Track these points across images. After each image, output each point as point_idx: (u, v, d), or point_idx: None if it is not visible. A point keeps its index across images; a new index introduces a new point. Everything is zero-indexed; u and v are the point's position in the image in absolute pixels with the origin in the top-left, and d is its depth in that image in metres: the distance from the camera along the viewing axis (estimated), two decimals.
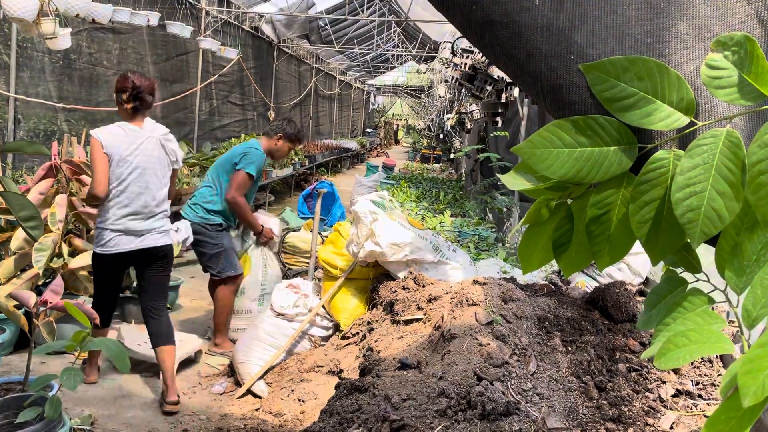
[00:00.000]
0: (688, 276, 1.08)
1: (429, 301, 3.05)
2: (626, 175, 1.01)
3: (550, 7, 0.98)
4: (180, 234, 3.98)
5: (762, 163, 0.84)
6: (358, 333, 3.51)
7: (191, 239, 4.12)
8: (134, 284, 4.59)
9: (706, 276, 1.05)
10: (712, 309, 0.96)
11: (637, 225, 0.99)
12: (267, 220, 4.74)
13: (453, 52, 5.12)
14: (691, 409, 2.36)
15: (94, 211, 4.18)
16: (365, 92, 30.04)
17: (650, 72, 0.95)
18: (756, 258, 0.89)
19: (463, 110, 8.58)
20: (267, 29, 12.63)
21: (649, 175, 0.97)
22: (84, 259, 3.92)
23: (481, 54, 4.48)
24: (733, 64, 0.91)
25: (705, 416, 2.29)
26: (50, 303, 2.54)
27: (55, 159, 3.97)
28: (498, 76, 4.49)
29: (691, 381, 2.52)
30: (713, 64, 0.92)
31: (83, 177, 4.00)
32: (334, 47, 16.05)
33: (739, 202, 0.89)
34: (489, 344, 2.51)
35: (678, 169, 0.93)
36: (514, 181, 1.07)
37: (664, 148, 0.98)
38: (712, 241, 0.98)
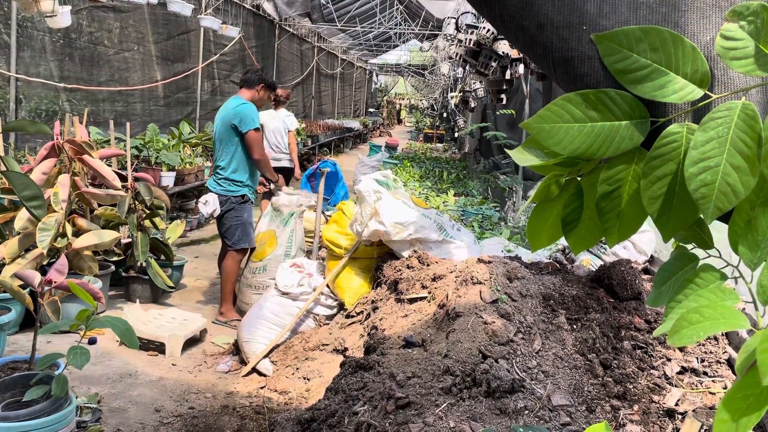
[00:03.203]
0: (698, 252, 1.06)
1: (433, 279, 3.05)
2: (638, 150, 0.99)
3: None
4: (208, 206, 4.26)
5: None
6: (362, 312, 3.51)
7: (218, 211, 4.46)
8: (138, 264, 4.60)
9: (718, 252, 1.03)
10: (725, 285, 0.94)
11: (648, 201, 0.97)
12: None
13: (457, 28, 5.05)
14: (696, 386, 2.36)
15: (97, 191, 4.18)
16: (367, 71, 29.83)
17: (664, 43, 0.92)
18: None
19: (467, 88, 8.51)
20: (268, 7, 12.51)
21: (661, 149, 0.95)
22: (88, 239, 3.92)
23: (486, 29, 4.42)
24: (749, 35, 0.88)
25: (710, 393, 2.29)
26: (55, 282, 2.54)
27: (57, 139, 3.95)
28: (503, 53, 4.43)
29: (697, 358, 2.52)
30: (728, 35, 0.90)
31: (86, 157, 3.98)
32: (336, 25, 15.90)
33: (755, 177, 0.86)
34: (494, 322, 2.51)
35: (691, 143, 0.90)
36: (522, 157, 1.05)
37: (677, 121, 0.96)
38: (723, 217, 0.96)
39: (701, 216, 0.90)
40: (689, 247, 1.07)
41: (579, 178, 1.06)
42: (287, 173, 7.07)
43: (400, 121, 37.21)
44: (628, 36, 0.94)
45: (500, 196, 7.23)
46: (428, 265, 3.22)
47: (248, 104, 4.56)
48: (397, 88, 39.76)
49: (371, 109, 30.15)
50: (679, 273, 1.05)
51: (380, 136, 24.80)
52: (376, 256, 3.76)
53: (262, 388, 3.48)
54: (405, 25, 18.32)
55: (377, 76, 34.40)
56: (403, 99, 38.81)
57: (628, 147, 0.97)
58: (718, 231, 1.04)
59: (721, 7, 0.96)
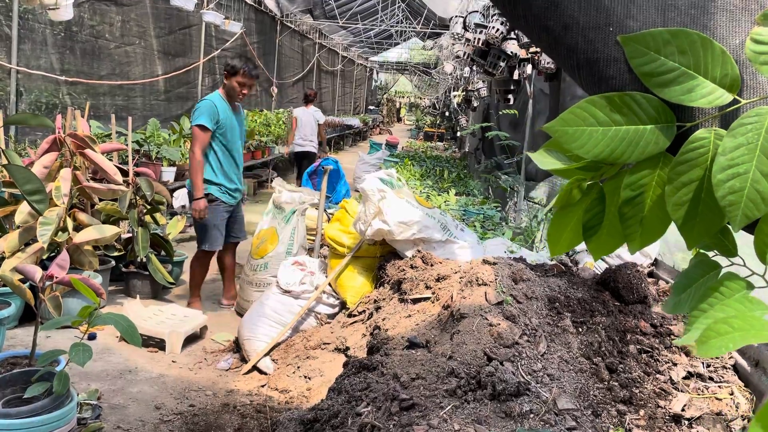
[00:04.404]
0: (719, 260, 1.04)
1: (437, 280, 3.03)
2: (662, 155, 0.97)
3: None
4: (177, 201, 4.20)
5: None
6: (364, 311, 3.49)
7: (188, 207, 4.47)
8: (139, 259, 4.57)
9: (742, 260, 1.01)
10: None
11: (673, 207, 0.95)
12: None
13: (465, 27, 5.02)
14: (702, 391, 2.34)
15: (98, 185, 4.15)
16: (368, 69, 29.77)
17: (693, 45, 0.90)
18: None
19: (471, 87, 8.47)
20: (270, 3, 12.47)
21: (688, 155, 0.92)
22: (89, 234, 3.90)
23: (495, 29, 4.39)
24: None
25: (717, 399, 2.28)
26: (56, 278, 2.52)
27: (59, 132, 3.92)
28: (511, 53, 4.39)
29: (702, 363, 2.51)
30: (759, 39, 0.88)
31: (87, 151, 3.95)
32: (338, 22, 15.85)
33: None
34: (499, 324, 2.49)
35: (720, 149, 0.88)
36: (544, 160, 1.02)
37: (703, 126, 0.94)
38: (747, 227, 0.94)
39: (730, 223, 0.88)
40: (711, 254, 1.05)
41: (601, 183, 1.03)
42: (311, 157, 9.09)
43: (399, 119, 37.17)
44: (655, 38, 0.92)
45: (501, 196, 7.22)
46: (432, 266, 3.20)
47: (206, 99, 4.40)
48: (397, 86, 39.71)
49: (371, 107, 30.10)
50: (700, 281, 1.03)
51: (380, 133, 24.77)
52: (378, 256, 3.74)
53: (262, 386, 3.46)
54: (406, 23, 18.28)
55: (377, 73, 34.35)
56: (404, 97, 38.76)
57: (653, 152, 0.95)
58: (740, 238, 1.02)
59: (750, 10, 0.93)
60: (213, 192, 4.41)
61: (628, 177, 0.98)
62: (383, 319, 3.05)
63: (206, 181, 4.39)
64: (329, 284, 3.81)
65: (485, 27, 4.47)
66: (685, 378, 2.41)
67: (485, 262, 2.88)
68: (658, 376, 2.42)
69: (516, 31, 4.34)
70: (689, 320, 0.97)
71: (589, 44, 0.96)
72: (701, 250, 1.06)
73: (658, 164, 0.97)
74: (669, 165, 0.95)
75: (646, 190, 0.99)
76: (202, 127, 4.27)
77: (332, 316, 3.83)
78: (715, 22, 0.94)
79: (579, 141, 0.97)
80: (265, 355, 3.65)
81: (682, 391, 2.34)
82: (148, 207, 4.66)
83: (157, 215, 4.79)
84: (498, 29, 4.39)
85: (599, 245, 1.06)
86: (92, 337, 3.82)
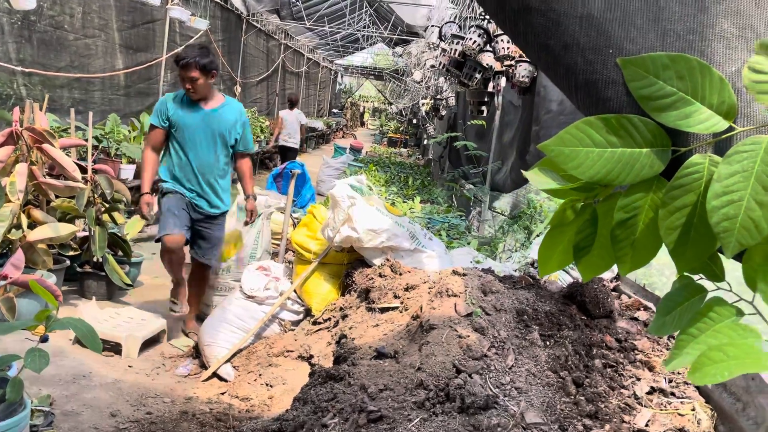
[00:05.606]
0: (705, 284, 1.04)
1: (406, 289, 3.01)
2: (657, 178, 0.97)
3: None
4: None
5: None
6: (330, 319, 3.45)
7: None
8: (95, 259, 4.42)
9: (729, 285, 1.02)
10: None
11: (666, 231, 0.95)
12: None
13: (441, 37, 5.03)
14: (665, 406, 2.38)
15: (55, 182, 4.00)
16: (333, 72, 29.69)
17: (692, 71, 0.91)
18: None
19: (440, 96, 8.53)
20: (237, 1, 12.30)
21: (682, 180, 0.93)
22: (43, 232, 3.75)
23: (472, 41, 4.41)
24: None
25: (679, 414, 2.32)
26: (11, 278, 2.41)
27: (16, 125, 3.76)
28: (487, 65, 4.43)
29: (665, 378, 2.55)
30: (757, 68, 0.88)
31: (45, 146, 3.81)
32: (305, 24, 15.77)
33: None
34: (468, 336, 2.48)
35: (715, 176, 0.89)
36: (538, 179, 1.01)
37: (698, 152, 0.94)
38: (736, 255, 0.94)
39: (723, 250, 0.88)
40: (695, 277, 1.06)
41: (594, 204, 1.03)
42: (294, 152, 10.59)
43: (363, 124, 37.18)
44: (655, 62, 0.92)
45: (465, 204, 7.26)
46: (401, 275, 3.18)
47: (161, 98, 4.23)
48: (362, 91, 39.72)
49: (335, 110, 30.02)
50: (686, 304, 1.04)
51: (344, 137, 24.72)
52: (346, 263, 3.71)
53: (222, 393, 3.38)
54: (373, 27, 18.31)
55: (342, 77, 34.30)
56: (368, 101, 38.79)
57: (648, 175, 0.95)
58: (725, 263, 1.03)
59: (747, 38, 0.94)
60: (166, 186, 4.09)
61: (622, 199, 0.98)
62: (350, 328, 3.01)
63: (160, 180, 4.15)
64: (294, 290, 3.75)
65: (462, 38, 4.49)
66: (648, 393, 2.44)
67: (455, 272, 2.88)
68: (622, 390, 2.44)
69: (492, 44, 4.38)
70: (677, 344, 0.97)
71: (589, 65, 0.95)
72: (686, 273, 1.07)
73: (652, 188, 0.97)
74: (662, 189, 0.96)
75: (639, 213, 0.99)
76: (151, 125, 4.13)
77: (296, 323, 3.77)
78: (712, 48, 0.94)
79: (575, 161, 0.96)
80: (226, 361, 3.57)
81: (645, 406, 2.37)
82: (107, 205, 4.52)
83: (116, 214, 4.65)
84: (475, 41, 4.42)
85: (589, 266, 1.06)
86: (44, 339, 3.65)
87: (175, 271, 4.11)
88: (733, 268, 1.02)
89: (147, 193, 4.10)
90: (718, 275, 1.02)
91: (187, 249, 4.22)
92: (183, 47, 4.22)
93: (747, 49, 0.94)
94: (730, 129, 0.91)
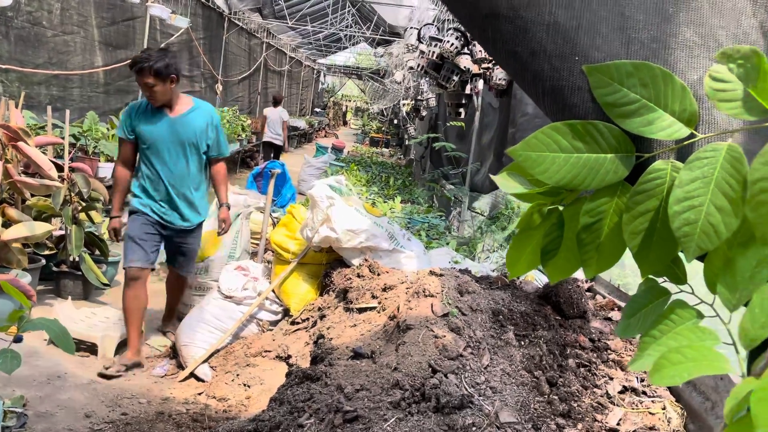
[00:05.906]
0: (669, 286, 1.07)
1: (384, 290, 3.02)
2: (621, 183, 0.99)
3: (558, 3, 0.94)
4: None
5: (765, 181, 0.83)
6: (308, 319, 3.45)
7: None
8: (71, 258, 4.38)
9: (691, 288, 1.04)
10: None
11: (629, 235, 0.97)
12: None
13: (419, 39, 5.05)
14: (636, 405, 2.42)
15: (30, 180, 3.95)
16: (315, 71, 29.63)
17: (654, 79, 0.93)
18: (750, 275, 0.88)
19: (420, 97, 8.57)
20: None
21: (645, 185, 0.95)
22: (18, 231, 3.70)
23: (450, 44, 4.44)
24: (738, 78, 0.89)
25: (650, 413, 2.36)
26: None
27: None
28: (465, 67, 4.47)
29: (636, 378, 2.59)
30: (718, 77, 0.90)
31: (20, 144, 3.76)
32: (287, 23, 15.71)
33: (738, 219, 0.87)
34: (444, 336, 2.50)
35: (677, 182, 0.91)
36: (507, 184, 1.03)
37: (661, 158, 0.97)
38: (699, 257, 0.97)
39: (684, 254, 0.90)
40: (660, 280, 1.08)
41: (561, 208, 1.05)
42: (278, 149, 11.44)
43: (345, 123, 37.14)
44: (619, 70, 0.94)
45: (445, 204, 7.30)
46: (379, 275, 3.19)
47: (125, 108, 3.94)
48: (344, 90, 39.68)
49: (317, 109, 29.97)
50: (650, 306, 1.06)
51: (326, 136, 24.66)
52: (324, 263, 3.71)
53: (199, 394, 3.36)
54: (356, 27, 18.30)
55: (325, 76, 34.23)
56: (350, 101, 38.76)
57: (612, 180, 0.97)
58: (688, 266, 1.05)
59: (709, 47, 0.97)
60: (134, 204, 3.81)
61: (587, 204, 1.00)
62: (328, 328, 3.02)
63: (133, 193, 3.86)
64: (273, 290, 3.74)
65: (440, 40, 4.52)
66: (620, 392, 2.48)
67: (432, 273, 2.90)
68: (595, 390, 2.48)
69: (470, 47, 4.41)
70: (640, 346, 0.99)
71: (555, 72, 0.97)
72: (650, 276, 1.09)
73: (616, 193, 0.99)
74: (627, 194, 0.98)
75: (603, 218, 1.01)
76: (118, 138, 3.82)
77: (275, 323, 3.76)
78: (675, 57, 0.96)
79: (542, 166, 0.98)
80: (204, 361, 3.55)
81: (617, 405, 2.41)
82: (84, 204, 4.48)
83: (93, 213, 4.60)
84: (453, 44, 4.45)
85: (556, 269, 1.08)
86: (18, 339, 3.60)
87: (130, 317, 3.66)
88: (699, 271, 1.05)
89: (116, 216, 3.84)
90: (680, 278, 1.04)
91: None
92: (142, 50, 3.75)
93: (709, 58, 0.97)
94: (692, 136, 0.93)
